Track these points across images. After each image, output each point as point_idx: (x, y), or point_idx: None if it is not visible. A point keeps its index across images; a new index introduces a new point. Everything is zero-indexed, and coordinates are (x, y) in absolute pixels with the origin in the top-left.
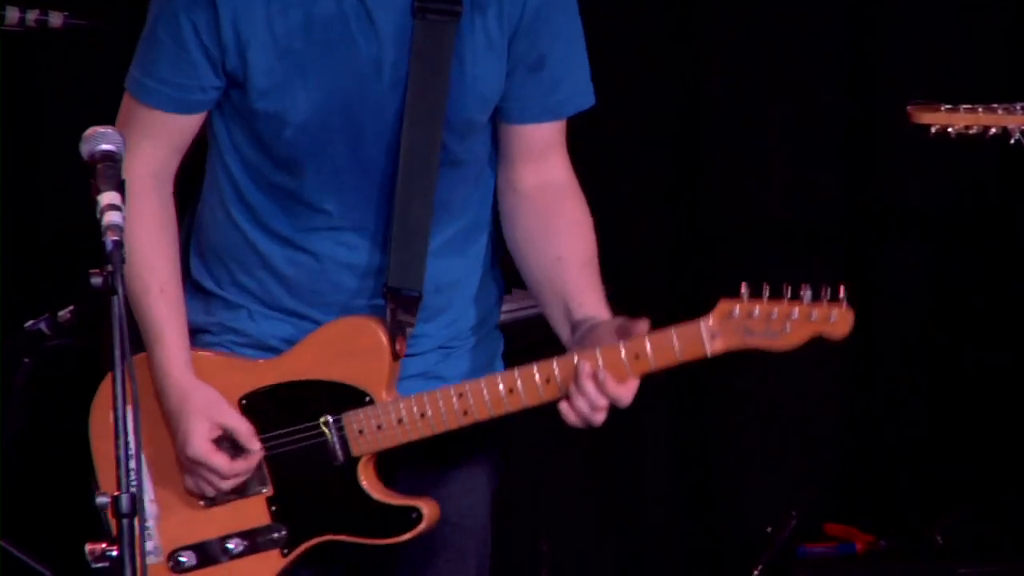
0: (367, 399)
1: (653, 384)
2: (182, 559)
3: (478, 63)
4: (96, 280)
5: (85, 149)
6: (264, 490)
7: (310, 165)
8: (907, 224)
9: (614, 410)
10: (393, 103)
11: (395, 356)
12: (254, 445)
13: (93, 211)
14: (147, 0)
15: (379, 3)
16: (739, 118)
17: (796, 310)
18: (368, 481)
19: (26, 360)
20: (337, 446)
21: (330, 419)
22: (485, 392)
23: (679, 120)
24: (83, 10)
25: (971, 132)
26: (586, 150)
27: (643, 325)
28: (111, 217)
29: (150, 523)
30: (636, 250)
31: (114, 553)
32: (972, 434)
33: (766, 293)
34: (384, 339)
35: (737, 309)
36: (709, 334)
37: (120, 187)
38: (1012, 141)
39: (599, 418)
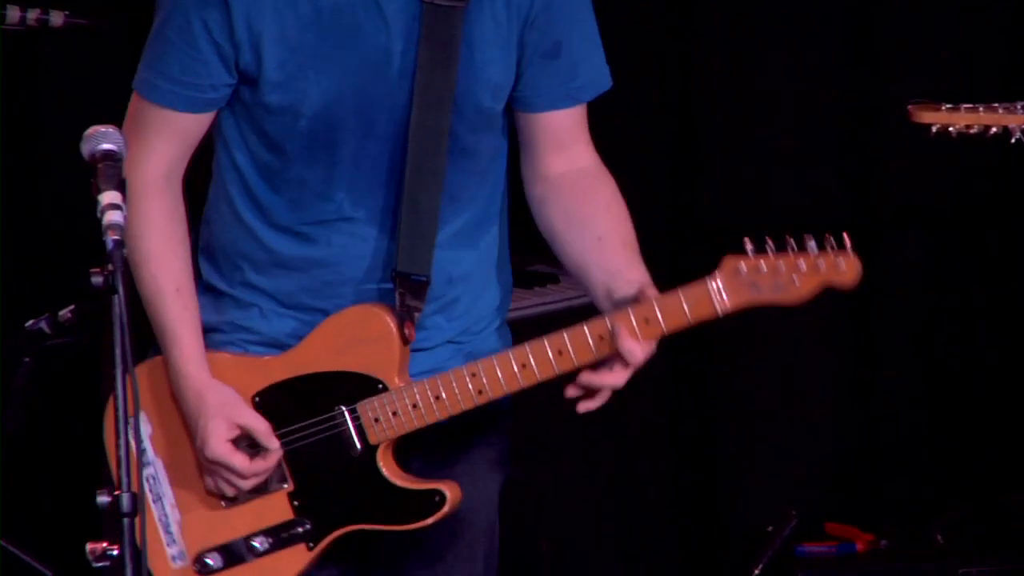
0: (380, 386)
1: (653, 383)
2: (208, 561)
3: (487, 49)
4: (97, 279)
5: (86, 148)
6: (285, 486)
7: (322, 156)
8: (907, 222)
9: (614, 410)
10: (403, 90)
11: (404, 341)
12: (272, 443)
13: (94, 210)
14: None
15: None
16: (739, 116)
17: (802, 261)
18: (388, 468)
19: (27, 359)
20: (354, 435)
21: (344, 409)
22: (498, 369)
23: (678, 117)
24: (84, 9)
25: (972, 131)
26: None
27: (651, 290)
28: (112, 216)
29: (173, 527)
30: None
31: (115, 552)
32: (972, 433)
33: (770, 247)
34: (393, 325)
35: (743, 265)
36: (717, 291)
37: (121, 186)
38: (1013, 140)
39: (606, 391)
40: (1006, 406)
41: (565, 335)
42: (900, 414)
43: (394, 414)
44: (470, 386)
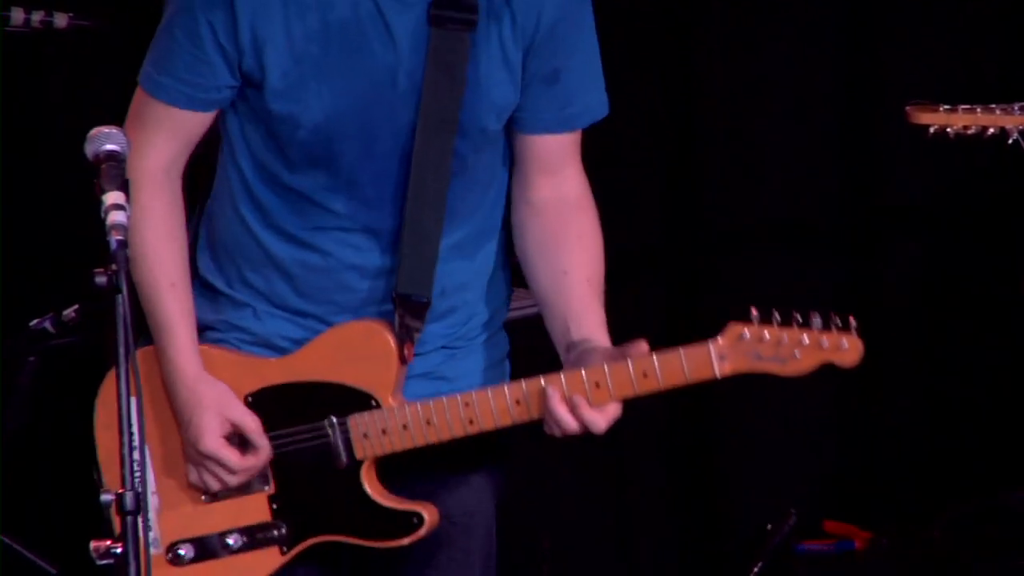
0: (374, 403)
1: None
2: (180, 552)
3: (493, 72)
4: (100, 279)
5: (90, 149)
6: (266, 488)
7: (322, 167)
8: (906, 223)
9: None
10: (407, 109)
11: (403, 361)
12: (263, 441)
13: (97, 210)
14: (151, 0)
15: (395, 10)
16: (738, 118)
17: (806, 337)
18: (370, 484)
19: (31, 358)
20: (341, 448)
21: (335, 421)
22: (492, 402)
23: (678, 119)
24: (87, 11)
25: (969, 132)
26: (585, 150)
27: (643, 344)
28: (115, 216)
29: (151, 514)
30: (635, 248)
31: (118, 550)
32: (970, 431)
33: (776, 318)
34: (393, 344)
35: (747, 332)
36: (718, 356)
37: (124, 187)
38: (1010, 141)
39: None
40: (1005, 405)
41: (563, 377)
42: (899, 413)
43: (383, 432)
44: (462, 415)
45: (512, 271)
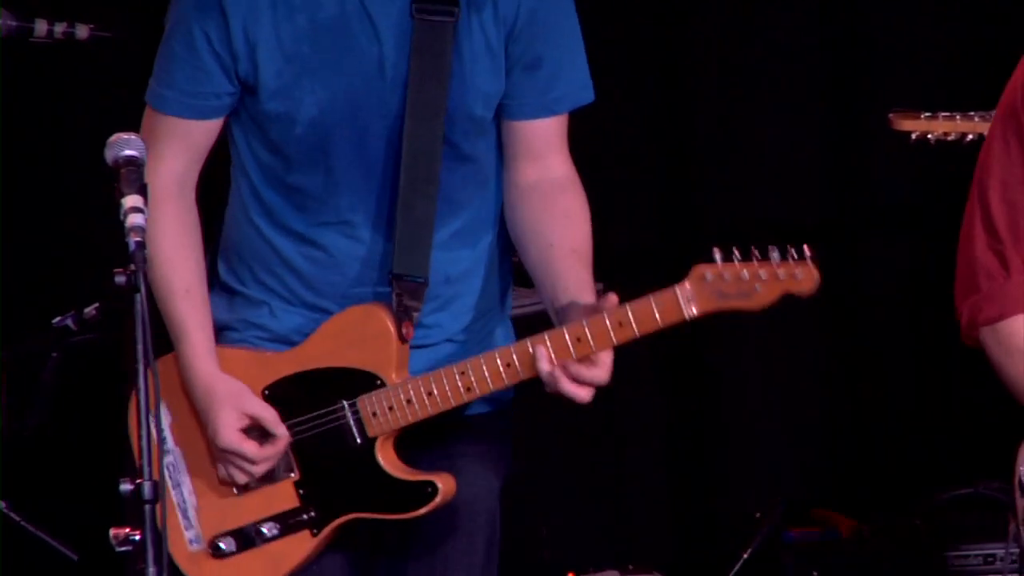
0: (378, 382)
1: (647, 376)
2: (222, 545)
3: (477, 60)
4: (120, 279)
5: (109, 155)
6: (292, 475)
7: (319, 162)
8: (889, 223)
9: (610, 403)
10: (396, 100)
11: (402, 339)
12: (280, 430)
13: (117, 213)
14: (163, 12)
15: (379, 6)
16: (728, 121)
17: (764, 271)
18: (385, 459)
19: (54, 354)
20: (354, 428)
21: (345, 403)
22: (484, 368)
23: (669, 121)
24: (108, 23)
25: (949, 138)
26: (577, 150)
27: (613, 297)
28: (134, 219)
29: (191, 512)
30: (628, 247)
31: (137, 537)
32: (953, 424)
33: (736, 256)
34: (390, 324)
35: (709, 273)
36: (685, 299)
37: (143, 190)
38: None
39: (586, 391)
40: (985, 398)
41: (546, 336)
42: (884, 408)
43: (390, 409)
44: (459, 383)
45: (513, 269)
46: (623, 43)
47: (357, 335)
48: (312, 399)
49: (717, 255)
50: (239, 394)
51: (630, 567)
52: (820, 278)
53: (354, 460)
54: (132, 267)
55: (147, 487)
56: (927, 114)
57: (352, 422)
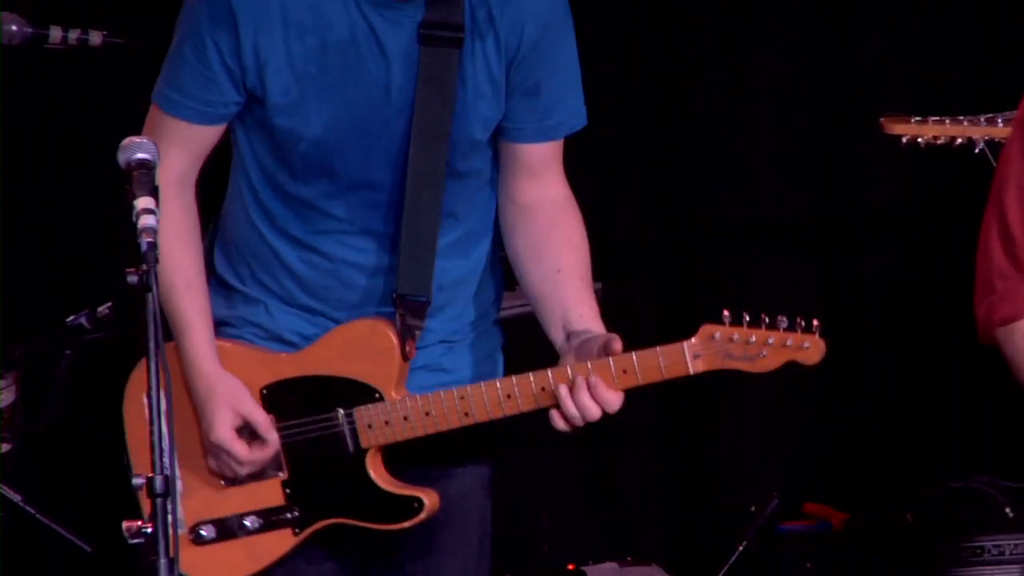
0: (377, 396)
1: None
2: (203, 532)
3: (479, 87)
4: (132, 278)
5: (122, 157)
6: (280, 474)
7: (322, 176)
8: (879, 226)
9: None
10: (400, 123)
11: (404, 357)
12: (271, 436)
13: (129, 214)
14: (175, 20)
15: (388, 31)
16: (722, 126)
17: (772, 337)
18: (375, 471)
19: (67, 352)
20: (348, 438)
21: (342, 412)
22: (485, 396)
23: (664, 126)
24: (120, 29)
25: (939, 142)
26: (574, 154)
27: (618, 343)
28: (146, 220)
29: (176, 497)
30: (625, 249)
31: (149, 530)
32: (942, 420)
33: (745, 319)
34: (396, 342)
35: (718, 333)
36: (692, 354)
37: (154, 192)
38: (977, 151)
39: (582, 422)
40: (974, 395)
41: (550, 373)
42: (875, 404)
43: (386, 423)
44: (458, 407)
45: (509, 271)
46: (621, 44)
47: (361, 348)
48: (309, 404)
49: (726, 316)
50: (238, 395)
51: (628, 559)
52: (827, 350)
53: (344, 468)
54: (144, 267)
55: (158, 481)
56: (917, 118)
57: (347, 431)
